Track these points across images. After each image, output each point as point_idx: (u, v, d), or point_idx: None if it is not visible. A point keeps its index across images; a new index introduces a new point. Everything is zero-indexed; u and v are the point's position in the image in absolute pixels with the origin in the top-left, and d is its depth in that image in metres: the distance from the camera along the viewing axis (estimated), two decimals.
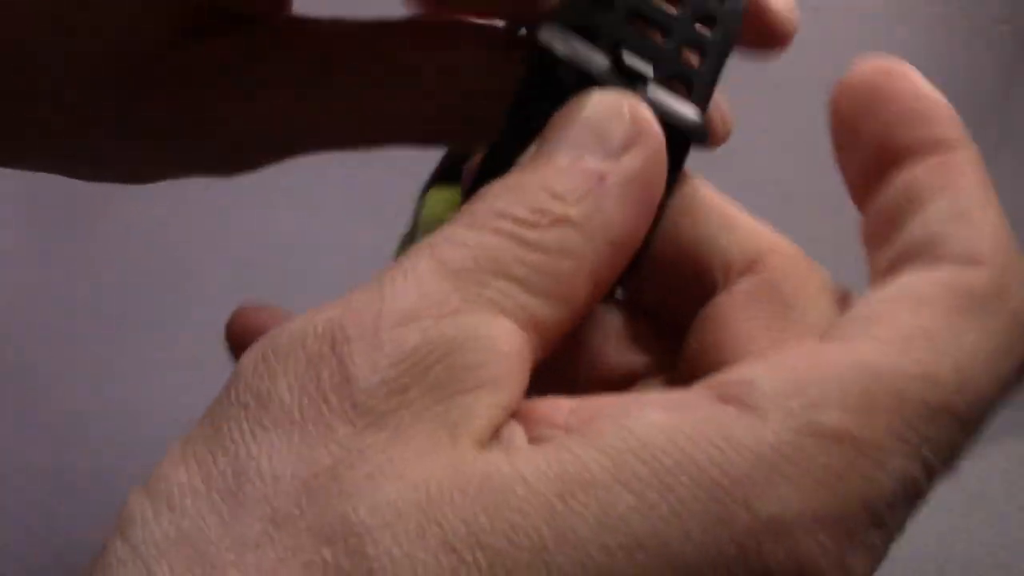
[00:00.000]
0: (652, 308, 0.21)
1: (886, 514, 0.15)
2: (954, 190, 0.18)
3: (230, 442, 0.15)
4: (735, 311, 0.19)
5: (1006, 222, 0.18)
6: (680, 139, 0.19)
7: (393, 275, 0.17)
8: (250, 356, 0.16)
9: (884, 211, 0.19)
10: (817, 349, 0.17)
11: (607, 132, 0.18)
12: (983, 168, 0.18)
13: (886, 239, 0.18)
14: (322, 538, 0.14)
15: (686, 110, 0.19)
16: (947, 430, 0.16)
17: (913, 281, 0.17)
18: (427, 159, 0.35)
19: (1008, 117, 0.86)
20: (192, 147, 0.23)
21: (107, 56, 0.21)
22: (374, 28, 0.23)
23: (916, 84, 0.19)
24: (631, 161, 0.18)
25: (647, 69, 0.19)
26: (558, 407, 0.16)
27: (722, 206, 0.20)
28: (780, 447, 0.15)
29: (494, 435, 0.16)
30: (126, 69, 0.21)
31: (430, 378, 0.15)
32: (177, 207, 0.53)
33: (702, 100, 0.20)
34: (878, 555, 0.15)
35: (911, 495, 0.16)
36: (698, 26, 0.20)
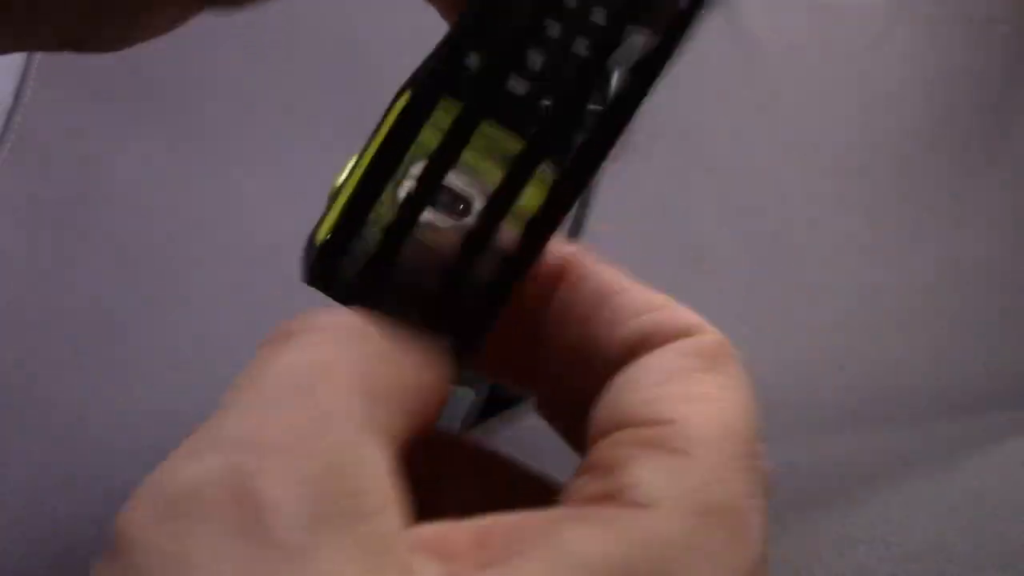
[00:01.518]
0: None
1: None
2: (624, 296, 0.21)
3: None
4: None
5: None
6: None
7: (270, 397, 0.17)
8: (144, 514, 0.15)
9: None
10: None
11: None
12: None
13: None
14: None
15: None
16: (760, 475, 0.18)
17: (656, 359, 0.19)
18: None
19: (1008, 117, 0.85)
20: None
21: None
22: None
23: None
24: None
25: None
26: (457, 535, 0.16)
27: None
28: (684, 537, 0.16)
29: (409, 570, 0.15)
30: None
31: (341, 504, 0.15)
32: (177, 207, 0.53)
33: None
34: None
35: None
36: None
